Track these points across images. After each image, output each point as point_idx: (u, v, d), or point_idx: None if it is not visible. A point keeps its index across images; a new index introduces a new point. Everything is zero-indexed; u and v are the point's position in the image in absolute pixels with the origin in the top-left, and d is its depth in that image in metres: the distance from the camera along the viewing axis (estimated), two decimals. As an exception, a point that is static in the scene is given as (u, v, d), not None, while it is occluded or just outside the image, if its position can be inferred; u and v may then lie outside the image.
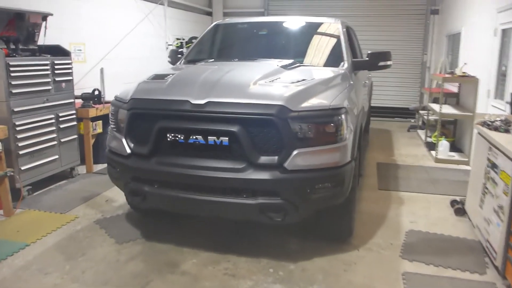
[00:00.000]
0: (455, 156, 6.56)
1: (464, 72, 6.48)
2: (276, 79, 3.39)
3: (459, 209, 4.31)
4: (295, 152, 2.96)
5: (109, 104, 5.87)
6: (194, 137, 3.04)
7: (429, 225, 4.07)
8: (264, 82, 3.30)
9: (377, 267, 3.30)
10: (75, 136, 5.35)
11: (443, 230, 3.96)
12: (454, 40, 8.28)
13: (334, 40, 4.42)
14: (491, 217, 3.32)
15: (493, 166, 3.37)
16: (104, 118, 5.83)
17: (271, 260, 3.37)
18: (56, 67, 4.95)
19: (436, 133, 7.55)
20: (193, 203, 3.13)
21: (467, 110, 6.51)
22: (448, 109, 6.69)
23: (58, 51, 5.15)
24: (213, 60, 4.21)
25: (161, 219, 4.04)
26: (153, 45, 8.21)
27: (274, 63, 3.88)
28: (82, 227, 3.95)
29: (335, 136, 3.07)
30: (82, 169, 5.64)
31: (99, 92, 5.62)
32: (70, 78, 5.22)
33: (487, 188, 3.50)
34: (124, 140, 3.33)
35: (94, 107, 5.55)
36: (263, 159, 2.98)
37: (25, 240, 3.65)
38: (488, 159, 3.51)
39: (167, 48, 8.61)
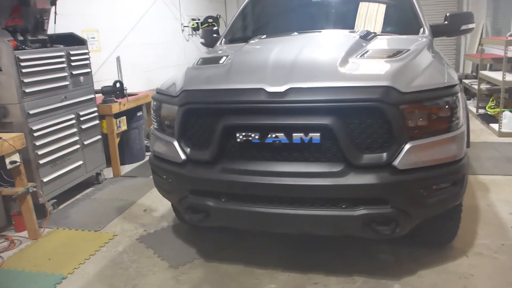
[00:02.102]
0: (520, 128, 5.83)
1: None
2: (365, 53, 2.66)
3: None
4: (407, 147, 2.26)
5: (134, 97, 5.26)
6: (274, 135, 2.34)
7: (537, 217, 3.40)
8: (356, 58, 2.57)
9: (501, 277, 2.64)
10: (99, 137, 4.67)
11: (558, 222, 3.30)
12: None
13: (404, 2, 3.68)
14: None
15: None
16: (128, 114, 5.16)
17: (367, 277, 2.72)
18: (72, 58, 4.23)
19: (490, 104, 6.83)
20: (274, 219, 2.45)
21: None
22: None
23: (72, 40, 4.42)
24: (265, 36, 3.45)
25: (216, 232, 3.37)
26: (169, 28, 7.45)
27: (349, 34, 3.15)
28: (125, 247, 3.30)
29: (450, 122, 2.38)
30: (108, 173, 4.98)
31: (121, 84, 4.91)
32: (88, 70, 4.50)
33: None
34: (176, 144, 2.63)
35: (116, 101, 4.85)
36: (367, 158, 2.29)
37: (61, 270, 3.01)
38: None
39: (182, 30, 7.86)
